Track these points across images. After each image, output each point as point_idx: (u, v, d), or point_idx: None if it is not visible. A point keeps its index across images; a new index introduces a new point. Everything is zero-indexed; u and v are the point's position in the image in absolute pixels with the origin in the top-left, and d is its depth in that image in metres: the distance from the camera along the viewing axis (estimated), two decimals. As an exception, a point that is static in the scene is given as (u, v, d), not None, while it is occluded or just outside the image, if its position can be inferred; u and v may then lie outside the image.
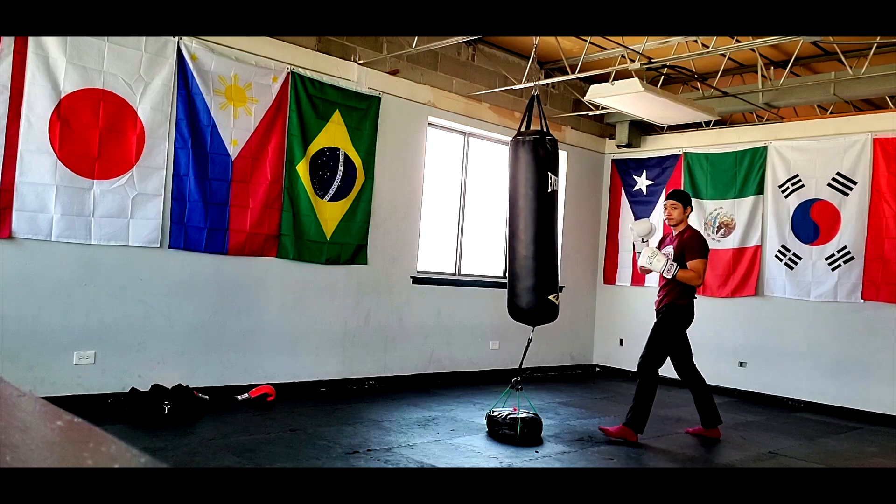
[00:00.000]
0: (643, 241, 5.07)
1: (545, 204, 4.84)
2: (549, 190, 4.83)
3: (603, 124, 8.56)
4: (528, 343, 5.05)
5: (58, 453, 0.72)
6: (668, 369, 5.81)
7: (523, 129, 4.96)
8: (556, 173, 4.97)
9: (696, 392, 5.08)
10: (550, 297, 4.81)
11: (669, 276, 4.84)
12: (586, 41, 6.40)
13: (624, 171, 8.42)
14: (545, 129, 4.92)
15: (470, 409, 5.59)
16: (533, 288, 4.81)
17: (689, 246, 4.91)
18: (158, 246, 5.02)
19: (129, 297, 4.92)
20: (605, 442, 4.80)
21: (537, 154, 4.81)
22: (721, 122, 7.64)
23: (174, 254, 5.11)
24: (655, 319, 5.03)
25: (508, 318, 5.07)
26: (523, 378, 5.08)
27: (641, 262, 4.95)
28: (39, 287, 4.56)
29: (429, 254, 6.90)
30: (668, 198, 5.18)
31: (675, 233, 5.11)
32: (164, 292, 5.08)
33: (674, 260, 4.94)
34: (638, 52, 5.84)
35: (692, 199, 7.75)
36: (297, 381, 5.80)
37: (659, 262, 4.86)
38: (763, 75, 6.53)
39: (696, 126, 7.77)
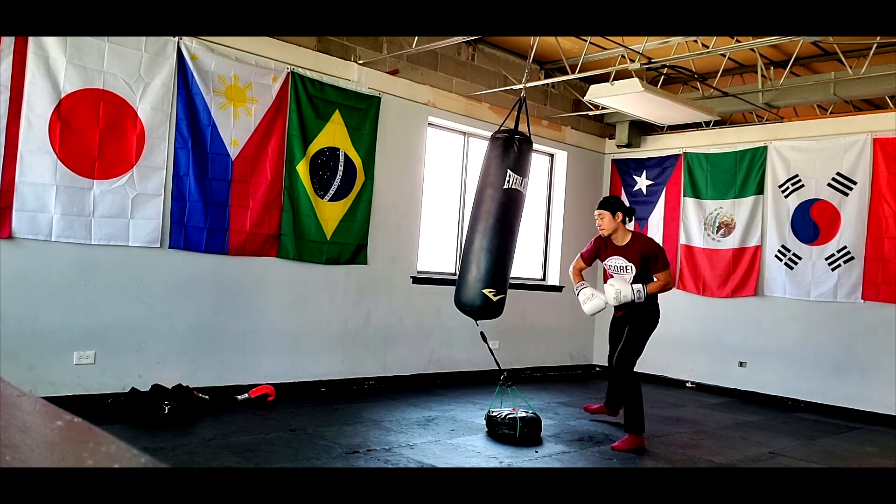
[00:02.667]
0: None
1: (501, 200, 4.92)
2: (506, 187, 4.89)
3: (603, 124, 8.56)
4: (484, 338, 5.02)
5: (58, 453, 0.72)
6: (666, 369, 5.82)
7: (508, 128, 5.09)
8: (520, 173, 4.95)
9: (616, 380, 5.09)
10: (487, 293, 4.85)
11: (643, 300, 4.67)
12: (586, 41, 6.39)
13: (624, 171, 8.42)
14: (517, 129, 5.03)
15: (470, 409, 5.59)
16: (477, 283, 4.87)
17: (652, 256, 4.75)
18: (158, 246, 5.02)
19: (129, 297, 4.92)
20: (605, 442, 4.80)
21: (502, 150, 4.93)
22: (721, 122, 7.63)
23: (174, 254, 5.11)
24: (629, 323, 4.86)
25: (508, 317, 5.09)
26: (508, 375, 5.16)
27: (609, 301, 4.77)
28: (39, 287, 4.56)
29: (429, 254, 6.90)
30: (597, 207, 4.93)
31: (615, 241, 4.86)
32: (164, 292, 5.08)
33: (635, 270, 4.80)
34: (638, 52, 5.84)
35: (698, 196, 7.77)
36: (297, 381, 5.80)
37: (627, 293, 4.68)
38: (763, 75, 6.53)
39: (696, 126, 7.76)
